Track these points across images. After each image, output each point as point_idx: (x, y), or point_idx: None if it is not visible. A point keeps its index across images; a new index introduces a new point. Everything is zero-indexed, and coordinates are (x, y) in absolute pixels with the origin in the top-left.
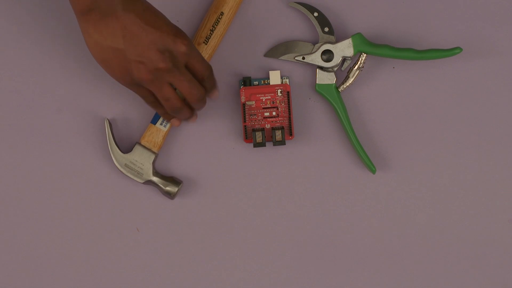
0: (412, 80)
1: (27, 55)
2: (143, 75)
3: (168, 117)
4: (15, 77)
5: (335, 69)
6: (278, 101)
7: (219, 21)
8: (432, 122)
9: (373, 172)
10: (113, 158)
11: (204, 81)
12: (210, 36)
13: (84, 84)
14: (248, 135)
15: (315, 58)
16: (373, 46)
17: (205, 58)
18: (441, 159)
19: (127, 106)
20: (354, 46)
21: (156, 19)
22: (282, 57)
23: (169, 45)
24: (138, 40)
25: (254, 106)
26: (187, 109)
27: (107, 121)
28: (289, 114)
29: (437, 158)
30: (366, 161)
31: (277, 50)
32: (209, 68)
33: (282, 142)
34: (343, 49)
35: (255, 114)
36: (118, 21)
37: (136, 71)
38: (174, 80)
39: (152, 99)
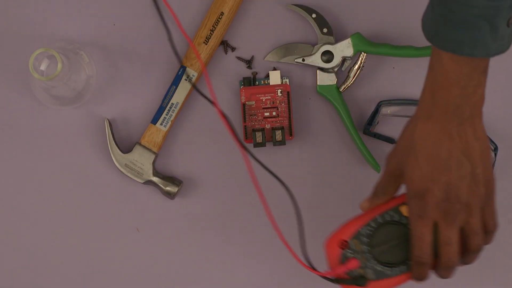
0: (412, 78)
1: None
2: (453, 196)
3: (420, 273)
4: (15, 76)
5: (336, 69)
6: (278, 101)
7: (219, 21)
8: None
9: (378, 171)
10: (113, 158)
11: (486, 235)
12: (210, 36)
13: None
14: (248, 135)
15: (315, 60)
16: (373, 45)
17: (205, 58)
18: None
19: (127, 106)
20: (354, 46)
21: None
22: (282, 60)
23: (487, 182)
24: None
25: (254, 106)
26: (456, 264)
27: (107, 121)
28: (289, 114)
29: None
30: (370, 160)
31: (277, 53)
32: (497, 225)
33: (282, 142)
34: (343, 49)
35: (255, 114)
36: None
37: (455, 189)
38: (470, 220)
39: (423, 236)
